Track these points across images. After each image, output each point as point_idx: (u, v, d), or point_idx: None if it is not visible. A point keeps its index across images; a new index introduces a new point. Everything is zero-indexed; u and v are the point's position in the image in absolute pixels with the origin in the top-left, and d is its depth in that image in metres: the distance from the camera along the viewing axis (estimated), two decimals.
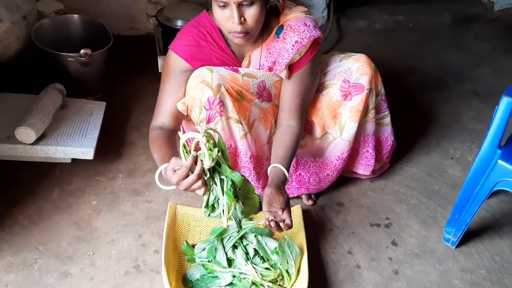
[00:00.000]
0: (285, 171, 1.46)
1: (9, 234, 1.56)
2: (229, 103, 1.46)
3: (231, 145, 1.54)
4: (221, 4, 1.34)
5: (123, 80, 2.33)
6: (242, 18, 1.34)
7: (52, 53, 1.99)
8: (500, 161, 1.40)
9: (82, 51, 1.97)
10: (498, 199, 1.85)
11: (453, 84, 2.57)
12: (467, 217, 1.54)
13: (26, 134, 1.68)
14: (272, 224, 1.35)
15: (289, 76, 1.53)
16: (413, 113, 2.31)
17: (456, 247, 1.64)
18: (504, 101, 1.33)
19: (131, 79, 2.34)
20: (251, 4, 1.33)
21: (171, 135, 1.48)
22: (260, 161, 1.64)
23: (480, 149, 1.44)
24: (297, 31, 1.47)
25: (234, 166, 1.59)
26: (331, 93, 1.65)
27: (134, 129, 2.06)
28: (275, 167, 1.46)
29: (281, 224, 1.36)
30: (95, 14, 2.40)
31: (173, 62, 1.49)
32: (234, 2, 1.31)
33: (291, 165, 1.66)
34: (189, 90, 1.47)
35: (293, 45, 1.47)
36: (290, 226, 1.38)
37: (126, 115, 2.14)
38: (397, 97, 2.35)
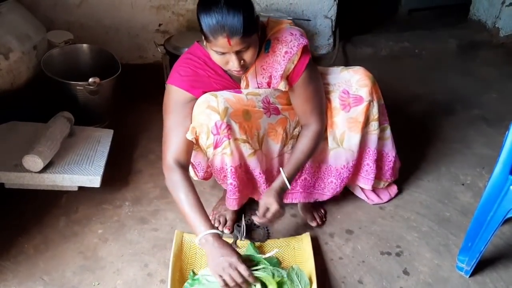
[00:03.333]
0: (286, 180, 1.52)
1: (14, 264, 1.55)
2: (236, 125, 1.47)
3: (240, 163, 1.54)
4: (219, 53, 1.35)
5: (131, 108, 2.35)
6: (242, 61, 1.37)
7: (61, 81, 2.02)
8: None
9: (90, 79, 1.99)
10: (511, 226, 1.81)
11: (461, 109, 2.56)
12: (481, 245, 1.50)
13: (34, 162, 1.68)
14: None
15: (290, 87, 1.54)
16: (421, 139, 2.30)
17: (470, 276, 1.60)
18: None
19: (139, 107, 2.36)
20: (248, 48, 1.36)
21: (190, 179, 1.48)
22: (271, 174, 1.65)
23: (491, 175, 1.41)
24: (284, 42, 1.48)
25: (247, 180, 1.61)
26: (331, 99, 1.66)
27: (141, 157, 2.06)
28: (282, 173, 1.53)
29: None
30: (104, 44, 2.44)
31: (174, 96, 1.49)
32: (233, 52, 1.34)
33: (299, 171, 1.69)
34: (196, 117, 1.47)
35: (283, 56, 1.48)
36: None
37: (133, 143, 2.14)
38: (405, 123, 2.35)
